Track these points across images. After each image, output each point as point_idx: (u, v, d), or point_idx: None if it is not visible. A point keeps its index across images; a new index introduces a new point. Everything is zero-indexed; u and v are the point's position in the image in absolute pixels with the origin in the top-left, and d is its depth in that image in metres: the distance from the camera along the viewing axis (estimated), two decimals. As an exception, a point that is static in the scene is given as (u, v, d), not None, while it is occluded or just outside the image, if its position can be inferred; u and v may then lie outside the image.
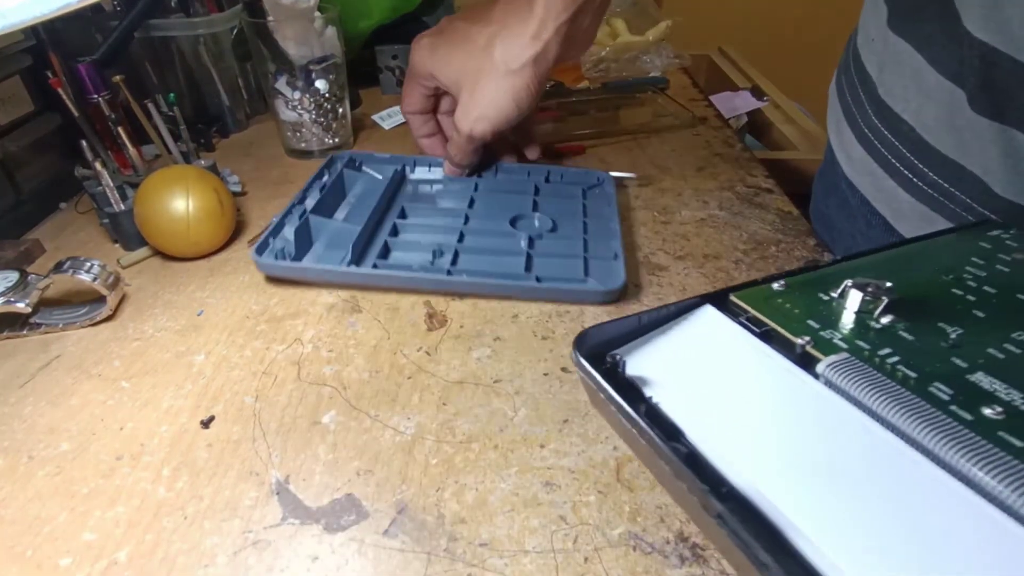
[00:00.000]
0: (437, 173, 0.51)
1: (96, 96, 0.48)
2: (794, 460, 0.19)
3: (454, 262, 0.39)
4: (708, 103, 0.68)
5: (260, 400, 0.31)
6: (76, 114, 0.47)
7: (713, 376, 0.22)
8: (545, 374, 0.32)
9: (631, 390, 0.21)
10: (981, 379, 0.19)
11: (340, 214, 0.46)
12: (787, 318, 0.23)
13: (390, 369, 0.33)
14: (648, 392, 0.21)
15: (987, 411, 0.18)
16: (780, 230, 0.44)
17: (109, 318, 0.37)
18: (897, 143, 0.37)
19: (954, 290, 0.24)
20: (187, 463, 0.28)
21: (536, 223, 0.44)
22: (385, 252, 0.41)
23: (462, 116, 0.44)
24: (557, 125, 0.62)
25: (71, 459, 0.28)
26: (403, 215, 0.45)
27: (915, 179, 0.36)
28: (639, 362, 0.23)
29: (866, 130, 0.40)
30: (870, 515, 0.17)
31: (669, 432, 0.19)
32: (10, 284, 0.34)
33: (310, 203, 0.44)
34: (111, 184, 0.41)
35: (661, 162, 0.55)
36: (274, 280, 0.40)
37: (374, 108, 0.65)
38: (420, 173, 0.51)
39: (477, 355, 0.34)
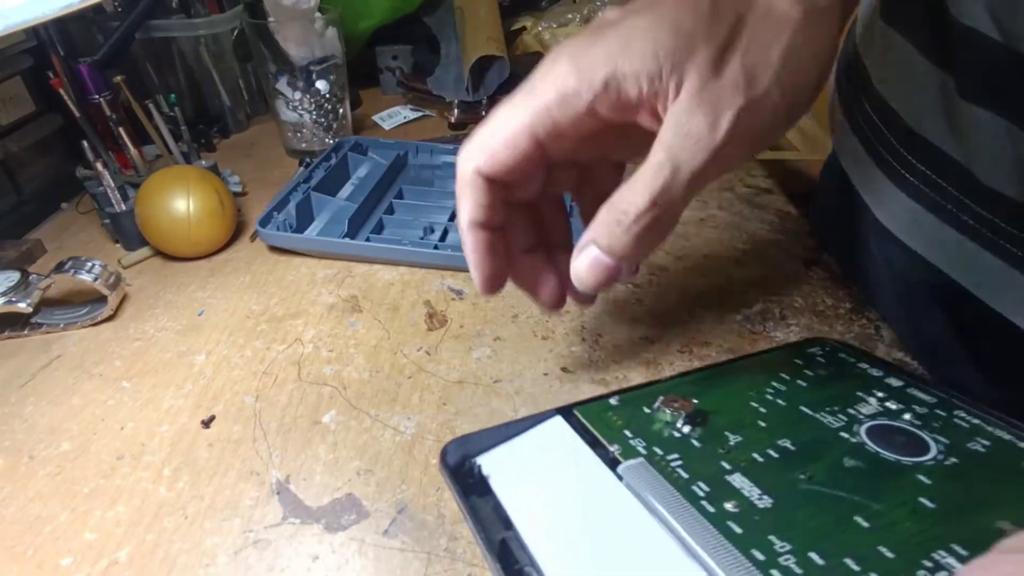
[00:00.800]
0: (437, 159, 0.53)
1: (97, 96, 0.48)
2: (585, 546, 0.22)
3: (442, 239, 0.42)
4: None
5: (260, 400, 0.31)
6: (77, 114, 0.47)
7: (552, 476, 0.25)
8: (545, 374, 0.32)
9: (483, 488, 0.25)
10: (735, 479, 0.23)
11: (343, 193, 0.49)
12: (609, 428, 0.27)
13: (390, 369, 0.33)
14: (496, 488, 0.25)
15: (728, 505, 0.22)
16: (779, 230, 0.44)
17: (110, 318, 0.37)
18: (885, 131, 0.37)
19: (752, 403, 0.28)
20: (188, 463, 0.28)
21: None
22: (379, 228, 0.43)
23: (720, 97, 0.21)
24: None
25: (72, 459, 0.28)
26: (400, 196, 0.47)
27: (898, 166, 0.36)
28: (496, 464, 0.26)
29: (860, 119, 0.40)
30: None
31: (504, 522, 0.23)
32: (11, 284, 0.34)
33: (315, 182, 0.46)
34: (112, 184, 0.41)
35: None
36: (275, 276, 0.40)
37: (374, 108, 0.65)
38: (422, 159, 0.53)
39: (477, 355, 0.34)
